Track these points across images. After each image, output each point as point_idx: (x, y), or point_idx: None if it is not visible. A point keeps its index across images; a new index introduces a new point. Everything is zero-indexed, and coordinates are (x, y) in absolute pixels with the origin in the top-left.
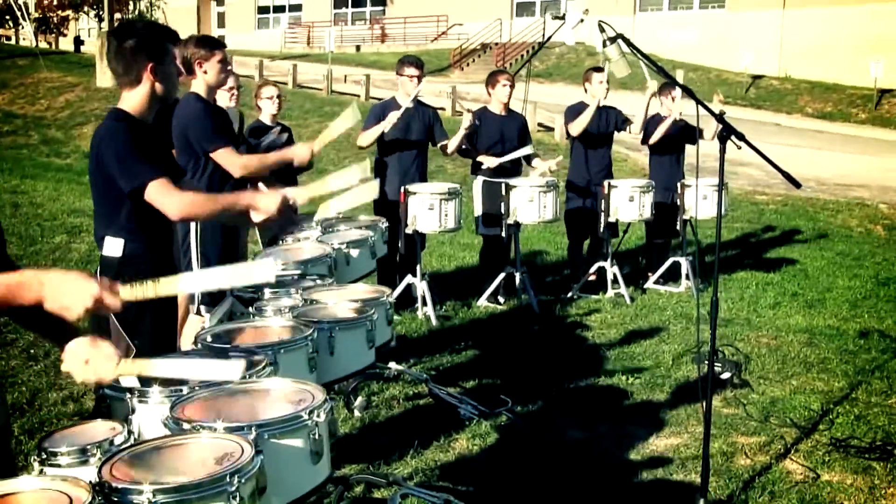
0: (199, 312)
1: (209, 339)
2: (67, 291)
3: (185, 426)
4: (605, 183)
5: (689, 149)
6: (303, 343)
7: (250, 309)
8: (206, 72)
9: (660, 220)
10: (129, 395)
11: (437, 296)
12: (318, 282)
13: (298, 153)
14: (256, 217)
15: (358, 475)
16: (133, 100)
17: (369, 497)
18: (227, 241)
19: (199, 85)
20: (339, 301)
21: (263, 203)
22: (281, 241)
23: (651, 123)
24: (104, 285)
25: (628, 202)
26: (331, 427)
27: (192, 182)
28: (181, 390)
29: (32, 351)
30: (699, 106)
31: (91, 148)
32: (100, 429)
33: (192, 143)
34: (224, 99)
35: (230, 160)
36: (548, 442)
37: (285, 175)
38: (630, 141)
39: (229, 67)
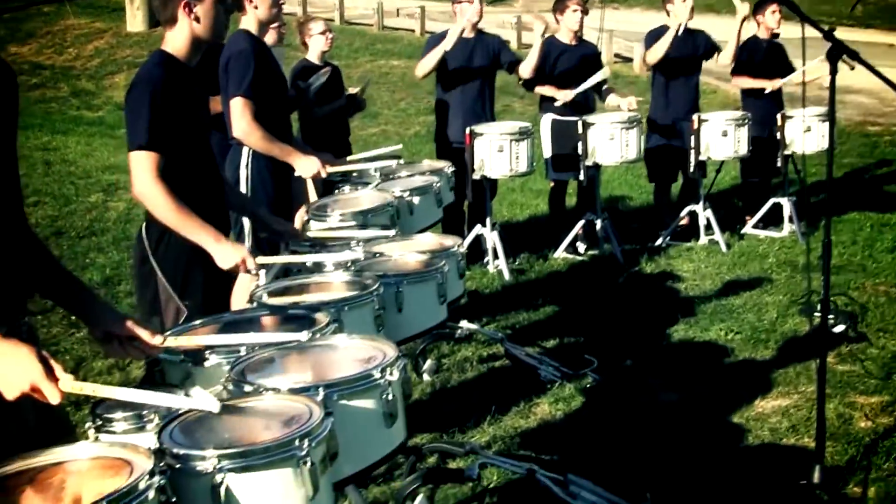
0: (248, 271)
1: (265, 296)
2: (3, 372)
3: (247, 388)
4: (695, 117)
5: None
6: (368, 299)
7: (308, 264)
8: (256, 6)
9: (757, 157)
10: (184, 358)
11: (510, 248)
12: (382, 233)
13: (303, 166)
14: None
15: (431, 444)
16: (173, 41)
17: (444, 467)
18: (278, 193)
19: (249, 21)
20: (405, 253)
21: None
22: (337, 190)
23: (745, 50)
24: (43, 374)
25: (721, 138)
26: (404, 387)
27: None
28: (239, 351)
29: (74, 317)
30: (805, 24)
31: (128, 90)
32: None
33: (230, 86)
34: (269, 37)
35: (240, 116)
36: (639, 405)
37: (337, 121)
38: (718, 71)
39: (281, 1)
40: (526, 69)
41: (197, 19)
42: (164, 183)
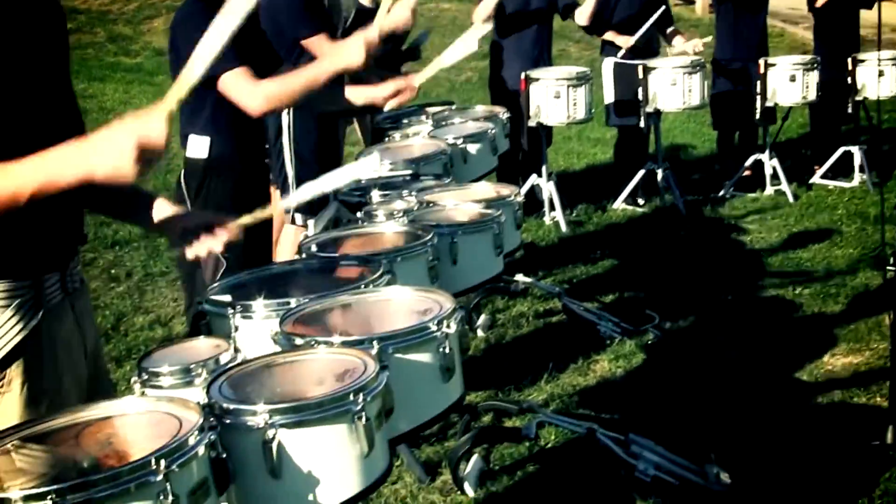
0: (294, 221)
1: (314, 247)
2: (105, 149)
3: (298, 341)
4: (761, 61)
5: (864, 16)
6: (422, 250)
7: (358, 214)
8: None
9: (827, 103)
10: (230, 311)
11: (567, 198)
12: (434, 182)
13: (343, 55)
14: (354, 95)
15: (486, 402)
16: None
17: (500, 426)
18: (323, 140)
19: None
20: (460, 202)
21: (348, 58)
22: (387, 138)
23: None
24: (138, 120)
25: (789, 82)
26: (462, 341)
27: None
28: (289, 303)
29: (114, 271)
30: None
31: (169, 34)
32: (202, 346)
33: (283, 29)
34: None
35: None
36: (702, 362)
37: (385, 67)
38: (786, 12)
39: None
40: (582, 16)
41: None
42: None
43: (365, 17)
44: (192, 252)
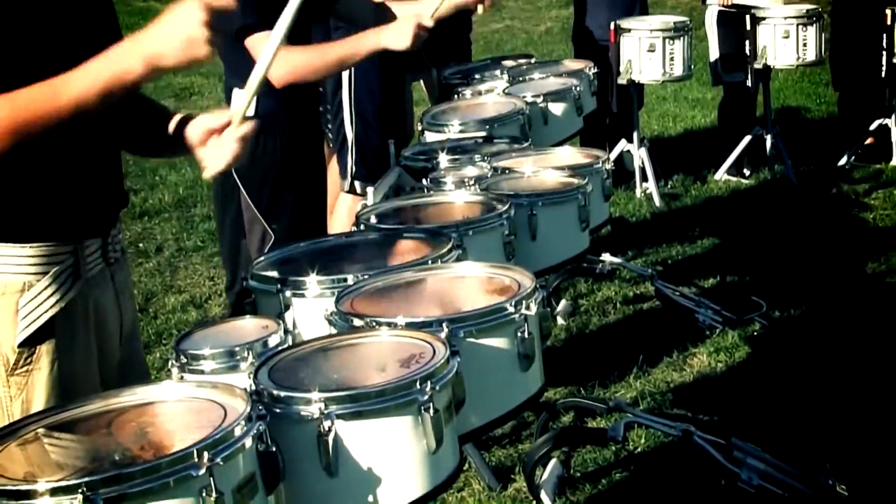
0: (352, 189)
1: (373, 219)
2: (172, 28)
3: (357, 322)
4: (888, 11)
5: None
6: (496, 222)
7: (423, 181)
8: None
9: None
10: (280, 287)
11: (661, 167)
12: (510, 146)
13: (392, 37)
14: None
15: (566, 400)
16: None
17: (582, 427)
18: (387, 98)
19: None
20: (540, 169)
21: (394, 39)
22: (458, 96)
23: None
24: None
25: None
26: (543, 325)
27: None
28: (346, 279)
29: (142, 245)
30: None
31: None
32: (249, 327)
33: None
34: None
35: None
36: (816, 358)
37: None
38: None
39: None
40: None
41: None
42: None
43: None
44: (217, 161)
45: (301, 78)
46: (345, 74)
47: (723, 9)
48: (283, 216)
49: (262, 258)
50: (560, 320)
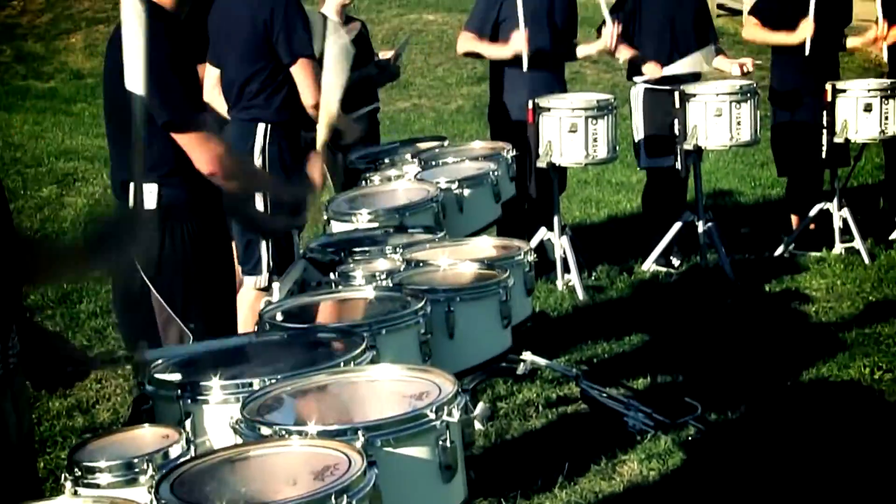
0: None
1: (279, 316)
2: None
3: (265, 431)
4: (828, 86)
5: None
6: (411, 320)
7: (331, 276)
8: None
9: None
10: (180, 393)
11: (585, 257)
12: (424, 236)
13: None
14: None
15: None
16: None
17: None
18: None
19: None
20: (457, 262)
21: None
22: (365, 182)
23: None
24: None
25: (863, 113)
26: (465, 432)
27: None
28: (251, 384)
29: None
30: None
31: (113, 58)
32: (147, 437)
33: (276, 46)
34: None
35: (312, 80)
36: (755, 464)
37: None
38: (855, 25)
39: None
40: (581, 52)
41: None
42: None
43: None
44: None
45: (222, 182)
46: (257, 160)
47: (650, 86)
48: (200, 314)
49: (159, 361)
50: (478, 425)
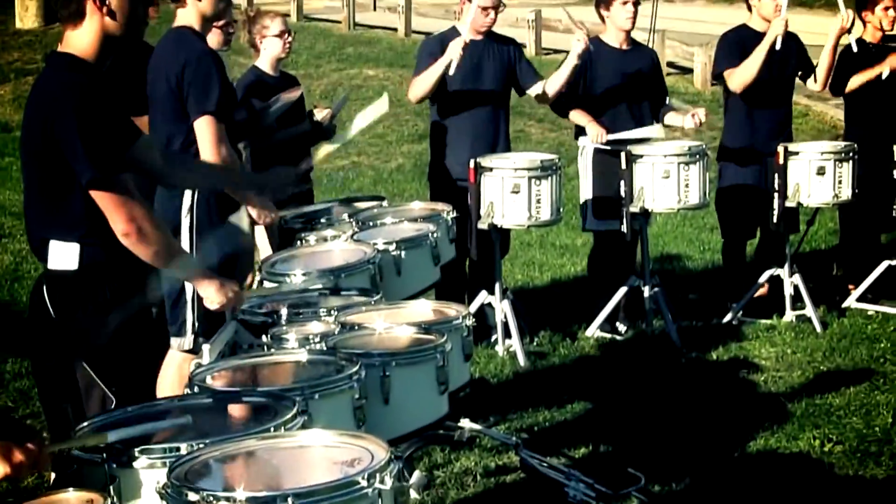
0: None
1: (209, 380)
2: None
3: (193, 497)
4: (780, 148)
5: None
6: (345, 385)
7: (263, 338)
8: None
9: (866, 204)
10: (105, 457)
11: (526, 322)
12: (360, 299)
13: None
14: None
15: None
16: (79, 42)
17: None
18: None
19: (189, 16)
20: (393, 325)
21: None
22: (300, 242)
23: (844, 64)
24: None
25: (816, 177)
26: (398, 500)
27: None
28: (178, 448)
29: None
30: None
31: (33, 111)
32: (73, 501)
33: (188, 102)
34: (212, 40)
35: (217, 140)
36: None
37: (295, 150)
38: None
39: None
40: (551, 89)
41: (111, 13)
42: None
43: (267, 87)
44: None
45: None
46: (184, 221)
47: (598, 146)
48: (123, 377)
49: (84, 424)
50: (414, 494)
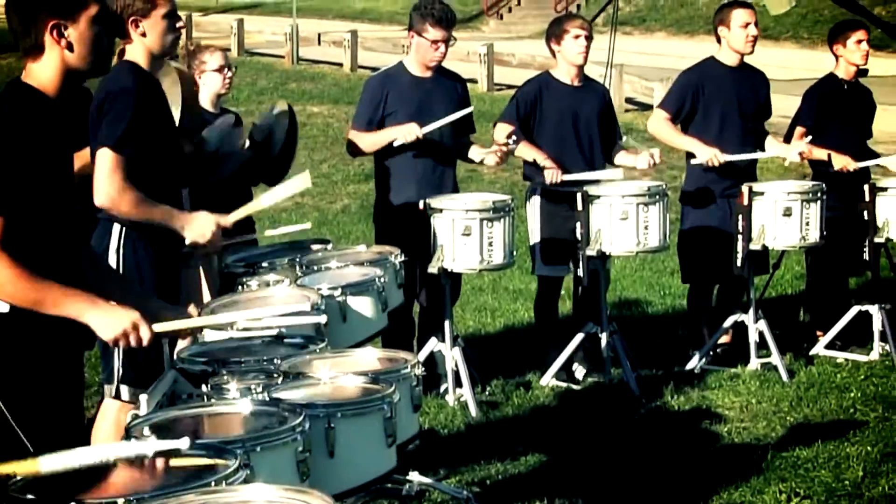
0: (118, 395)
1: (146, 431)
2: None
3: None
4: (745, 187)
5: (880, 126)
6: (288, 437)
7: (203, 388)
8: (143, 33)
9: (835, 247)
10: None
11: (479, 371)
12: (304, 346)
13: (193, 226)
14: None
15: None
16: (39, 75)
17: None
18: (161, 282)
19: (136, 51)
20: (339, 375)
21: (193, 230)
22: (242, 287)
23: (815, 97)
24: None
25: (782, 218)
26: None
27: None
28: (116, 502)
29: None
30: None
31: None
32: None
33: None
34: (214, 84)
35: (108, 175)
36: None
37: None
38: (777, 120)
39: (179, 25)
40: (476, 156)
41: (69, 46)
42: (6, 253)
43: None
44: None
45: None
46: (111, 259)
47: (547, 187)
48: (42, 427)
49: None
50: None
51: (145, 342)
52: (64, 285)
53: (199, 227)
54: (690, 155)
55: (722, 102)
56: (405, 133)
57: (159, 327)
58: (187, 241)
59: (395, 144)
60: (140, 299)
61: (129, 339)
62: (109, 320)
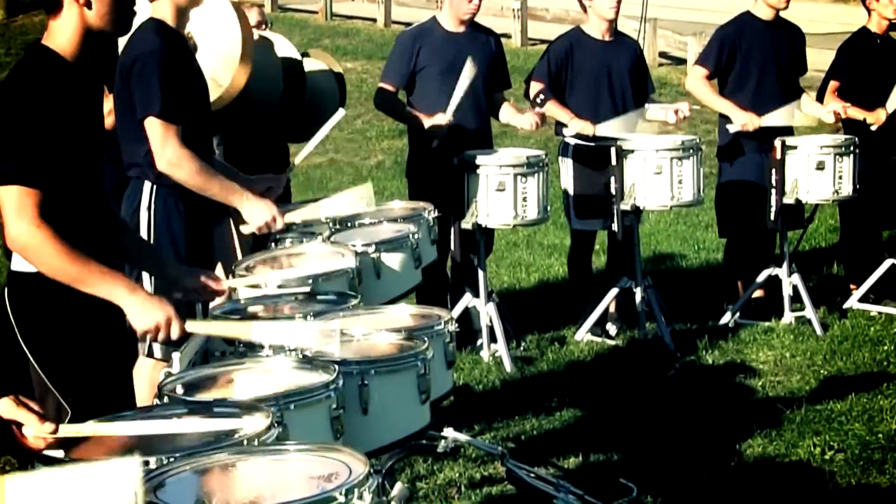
0: (150, 353)
1: (179, 389)
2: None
3: None
4: (778, 142)
5: None
6: (322, 394)
7: (236, 346)
8: None
9: (868, 200)
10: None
11: (513, 326)
12: (338, 304)
13: (253, 215)
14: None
15: None
16: (58, 35)
17: None
18: (193, 242)
19: (162, 7)
20: (372, 332)
21: (250, 213)
22: (274, 244)
23: (846, 53)
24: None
25: (815, 171)
26: None
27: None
28: (147, 462)
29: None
30: None
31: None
32: None
33: (134, 103)
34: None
35: (162, 142)
36: None
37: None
38: (811, 74)
39: None
40: (503, 117)
41: (88, 3)
42: (48, 227)
43: None
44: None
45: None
46: (142, 217)
47: (579, 142)
48: (80, 387)
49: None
50: None
51: (174, 338)
52: (102, 264)
53: (258, 215)
54: (725, 116)
55: (759, 57)
56: (436, 127)
57: (192, 326)
58: (245, 231)
59: (434, 145)
60: (161, 265)
61: (158, 334)
62: (145, 311)
